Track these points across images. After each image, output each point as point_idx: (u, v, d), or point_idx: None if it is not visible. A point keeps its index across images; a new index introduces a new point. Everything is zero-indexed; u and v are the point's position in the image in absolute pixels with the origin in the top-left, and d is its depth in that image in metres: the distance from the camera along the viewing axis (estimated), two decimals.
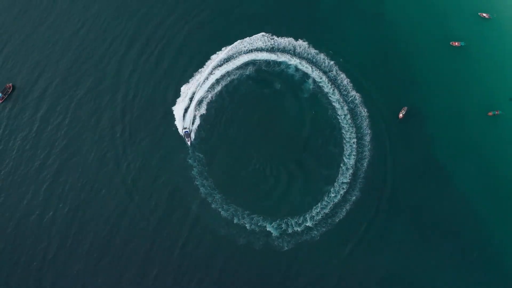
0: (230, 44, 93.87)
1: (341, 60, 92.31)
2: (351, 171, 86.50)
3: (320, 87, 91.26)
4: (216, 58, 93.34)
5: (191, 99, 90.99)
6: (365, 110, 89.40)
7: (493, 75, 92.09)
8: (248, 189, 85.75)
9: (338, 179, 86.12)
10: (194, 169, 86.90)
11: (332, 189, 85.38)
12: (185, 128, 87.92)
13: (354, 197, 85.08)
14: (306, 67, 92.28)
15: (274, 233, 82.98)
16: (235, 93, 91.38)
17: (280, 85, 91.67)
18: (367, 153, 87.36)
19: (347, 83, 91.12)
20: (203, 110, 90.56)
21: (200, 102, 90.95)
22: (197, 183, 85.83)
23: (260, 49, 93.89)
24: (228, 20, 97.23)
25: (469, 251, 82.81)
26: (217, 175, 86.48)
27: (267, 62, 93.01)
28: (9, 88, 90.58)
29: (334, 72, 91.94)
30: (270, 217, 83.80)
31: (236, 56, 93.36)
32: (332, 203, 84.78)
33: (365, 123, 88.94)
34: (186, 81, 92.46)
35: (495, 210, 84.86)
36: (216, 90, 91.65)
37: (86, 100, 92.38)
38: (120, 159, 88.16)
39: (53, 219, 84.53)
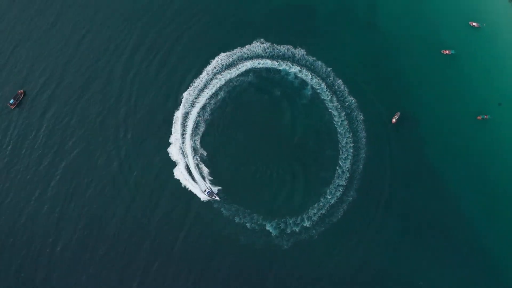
0: (230, 51, 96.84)
1: (336, 67, 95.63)
2: (347, 173, 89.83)
3: (318, 93, 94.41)
4: (216, 65, 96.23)
5: (192, 104, 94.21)
6: (361, 114, 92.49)
7: (482, 82, 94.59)
8: (249, 190, 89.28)
9: (334, 181, 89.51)
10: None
11: (328, 191, 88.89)
12: (205, 190, 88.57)
13: (350, 198, 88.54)
14: (304, 74, 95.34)
15: (273, 232, 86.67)
16: (236, 99, 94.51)
17: (279, 92, 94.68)
18: (362, 156, 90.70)
19: (344, 88, 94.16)
20: (206, 115, 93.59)
21: (203, 108, 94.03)
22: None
23: (260, 56, 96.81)
24: (228, 28, 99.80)
25: (459, 248, 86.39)
26: (219, 177, 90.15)
27: (267, 69, 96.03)
28: (21, 94, 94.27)
29: (331, 78, 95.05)
30: (269, 217, 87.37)
31: (237, 63, 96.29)
32: (328, 204, 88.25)
33: (361, 127, 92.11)
34: (187, 87, 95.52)
35: (483, 209, 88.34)
36: (218, 97, 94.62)
37: (91, 103, 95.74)
38: (123, 159, 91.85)
39: (61, 214, 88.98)
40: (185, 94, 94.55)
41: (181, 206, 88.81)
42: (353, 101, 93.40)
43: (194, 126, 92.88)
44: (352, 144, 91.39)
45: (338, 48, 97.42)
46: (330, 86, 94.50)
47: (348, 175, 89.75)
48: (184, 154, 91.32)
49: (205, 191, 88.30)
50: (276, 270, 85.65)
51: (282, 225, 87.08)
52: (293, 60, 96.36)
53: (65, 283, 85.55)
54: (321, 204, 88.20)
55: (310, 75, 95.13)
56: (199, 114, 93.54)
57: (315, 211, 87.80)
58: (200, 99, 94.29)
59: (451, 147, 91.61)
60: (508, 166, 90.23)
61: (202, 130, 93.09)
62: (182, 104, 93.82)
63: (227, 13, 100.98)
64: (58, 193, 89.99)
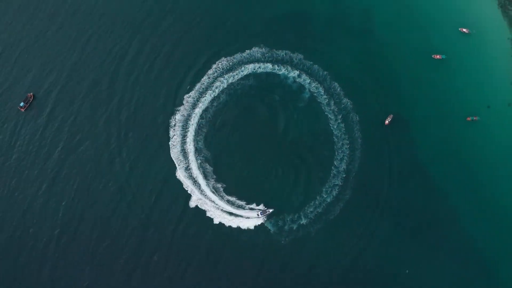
0: (231, 56, 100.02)
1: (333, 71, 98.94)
2: (342, 172, 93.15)
3: (315, 96, 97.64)
4: (217, 68, 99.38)
5: (194, 107, 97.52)
6: (357, 116, 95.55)
7: (472, 85, 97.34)
8: (249, 188, 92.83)
9: (330, 181, 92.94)
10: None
11: (324, 190, 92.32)
12: (259, 212, 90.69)
13: (346, 196, 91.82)
14: (302, 78, 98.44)
15: (272, 229, 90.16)
16: (237, 102, 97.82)
17: (278, 95, 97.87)
18: (358, 156, 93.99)
19: (340, 91, 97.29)
20: (208, 117, 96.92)
21: (205, 110, 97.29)
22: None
23: (259, 61, 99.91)
24: (228, 34, 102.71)
25: (450, 245, 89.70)
26: (222, 175, 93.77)
27: (267, 73, 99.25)
28: (30, 97, 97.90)
29: (328, 81, 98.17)
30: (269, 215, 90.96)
31: (237, 68, 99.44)
32: (325, 202, 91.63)
33: (356, 128, 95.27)
34: (189, 90, 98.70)
35: (474, 207, 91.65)
36: (220, 99, 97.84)
37: (95, 105, 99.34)
38: (124, 155, 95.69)
39: (65, 208, 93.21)
40: (187, 97, 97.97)
41: (180, 203, 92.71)
42: (349, 103, 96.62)
43: (196, 127, 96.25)
44: (348, 146, 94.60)
45: (334, 53, 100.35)
46: (327, 89, 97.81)
47: (344, 175, 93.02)
48: (187, 155, 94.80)
49: (258, 215, 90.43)
50: (274, 264, 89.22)
51: (280, 223, 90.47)
52: (291, 64, 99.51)
53: (69, 273, 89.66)
54: (317, 202, 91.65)
55: (308, 79, 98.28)
56: (201, 116, 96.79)
57: (311, 209, 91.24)
58: (202, 101, 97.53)
59: (442, 147, 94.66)
60: (497, 165, 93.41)
61: (205, 131, 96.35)
62: (184, 106, 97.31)
63: (227, 19, 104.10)
64: (63, 189, 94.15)
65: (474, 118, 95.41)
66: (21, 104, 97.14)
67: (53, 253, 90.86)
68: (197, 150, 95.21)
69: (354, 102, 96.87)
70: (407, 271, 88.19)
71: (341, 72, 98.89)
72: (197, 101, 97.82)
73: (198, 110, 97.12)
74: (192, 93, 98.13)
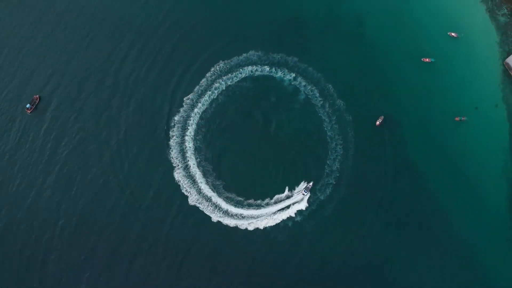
0: (228, 59, 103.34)
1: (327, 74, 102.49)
2: (336, 172, 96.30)
3: (309, 98, 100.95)
4: (215, 71, 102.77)
5: (193, 108, 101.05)
6: (350, 116, 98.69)
7: (460, 87, 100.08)
8: (246, 185, 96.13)
9: (323, 179, 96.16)
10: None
11: (318, 188, 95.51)
12: (303, 191, 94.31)
13: (338, 194, 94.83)
14: (298, 81, 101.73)
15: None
16: (235, 104, 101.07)
17: (275, 97, 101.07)
18: (350, 155, 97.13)
19: (333, 92, 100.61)
20: (206, 118, 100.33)
21: (204, 111, 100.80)
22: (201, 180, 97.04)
23: (256, 64, 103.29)
24: (226, 38, 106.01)
25: (439, 240, 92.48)
26: (221, 173, 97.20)
27: (263, 76, 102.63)
28: (37, 99, 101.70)
29: (322, 83, 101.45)
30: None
31: (235, 70, 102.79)
32: (318, 200, 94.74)
33: (349, 129, 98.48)
34: (189, 92, 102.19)
35: (461, 203, 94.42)
36: (218, 101, 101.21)
37: (97, 106, 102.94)
38: (123, 153, 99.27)
39: (65, 200, 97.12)
40: (186, 99, 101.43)
41: (178, 201, 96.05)
42: (342, 104, 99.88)
43: (196, 128, 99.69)
44: (342, 146, 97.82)
45: (328, 56, 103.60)
46: (321, 91, 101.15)
47: (336, 172, 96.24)
48: (186, 154, 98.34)
49: (304, 194, 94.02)
50: (270, 261, 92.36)
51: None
52: (286, 67, 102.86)
53: (65, 262, 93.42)
54: (311, 200, 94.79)
55: (303, 81, 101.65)
56: (200, 117, 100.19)
57: (304, 207, 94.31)
58: (200, 103, 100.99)
59: (431, 147, 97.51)
60: (483, 163, 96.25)
61: (204, 130, 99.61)
62: (183, 108, 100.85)
63: (224, 24, 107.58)
64: (65, 183, 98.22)
65: (462, 118, 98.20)
66: (28, 105, 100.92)
67: (55, 245, 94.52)
68: (197, 149, 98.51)
69: (347, 103, 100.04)
70: None
71: (335, 74, 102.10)
72: (196, 102, 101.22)
73: (197, 111, 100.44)
74: (191, 95, 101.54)
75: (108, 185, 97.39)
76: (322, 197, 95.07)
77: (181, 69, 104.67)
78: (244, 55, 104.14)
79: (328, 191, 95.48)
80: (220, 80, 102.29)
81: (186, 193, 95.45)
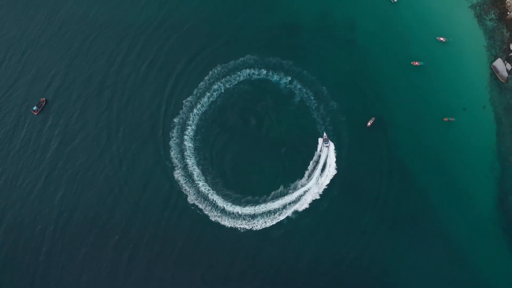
0: (226, 63, 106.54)
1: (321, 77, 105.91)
2: (331, 171, 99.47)
3: (304, 99, 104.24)
4: (213, 74, 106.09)
5: (191, 110, 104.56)
6: (344, 117, 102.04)
7: (448, 90, 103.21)
8: (244, 183, 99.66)
9: (316, 177, 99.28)
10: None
11: (310, 186, 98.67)
12: (323, 144, 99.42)
13: (331, 192, 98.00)
14: (293, 84, 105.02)
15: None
16: (233, 106, 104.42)
17: (271, 99, 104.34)
18: (343, 155, 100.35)
19: (327, 94, 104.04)
20: (205, 119, 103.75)
21: (203, 113, 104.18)
22: (199, 181, 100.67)
23: (253, 67, 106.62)
24: (223, 43, 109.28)
25: (428, 235, 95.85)
26: (219, 172, 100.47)
27: (260, 79, 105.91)
28: (43, 102, 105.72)
29: (316, 86, 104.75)
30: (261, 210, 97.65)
31: (232, 74, 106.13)
32: (313, 198, 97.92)
33: (343, 128, 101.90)
34: (188, 95, 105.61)
35: (449, 200, 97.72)
36: (217, 103, 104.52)
37: (99, 109, 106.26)
38: (124, 151, 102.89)
39: (68, 195, 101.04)
40: (185, 101, 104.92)
41: (179, 200, 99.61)
42: (336, 105, 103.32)
43: (195, 129, 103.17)
44: (335, 145, 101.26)
45: (322, 60, 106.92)
46: (315, 93, 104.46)
47: (332, 174, 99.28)
48: (185, 154, 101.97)
49: (324, 144, 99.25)
50: (266, 258, 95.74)
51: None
52: (282, 70, 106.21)
53: (67, 254, 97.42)
54: (305, 200, 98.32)
55: (298, 84, 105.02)
56: (199, 118, 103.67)
57: (299, 206, 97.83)
58: (199, 105, 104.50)
59: (421, 146, 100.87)
60: (471, 162, 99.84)
61: (203, 131, 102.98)
62: (182, 110, 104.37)
63: (222, 30, 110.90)
64: (70, 178, 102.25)
65: (451, 119, 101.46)
66: (34, 108, 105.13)
67: (52, 235, 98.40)
68: (196, 149, 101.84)
69: (340, 105, 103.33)
70: None
71: (328, 77, 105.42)
72: (195, 104, 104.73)
73: (196, 112, 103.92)
74: (190, 98, 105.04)
75: (111, 185, 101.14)
76: (317, 197, 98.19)
77: (180, 73, 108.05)
78: (241, 59, 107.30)
79: (322, 189, 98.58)
80: (218, 83, 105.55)
81: (185, 192, 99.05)
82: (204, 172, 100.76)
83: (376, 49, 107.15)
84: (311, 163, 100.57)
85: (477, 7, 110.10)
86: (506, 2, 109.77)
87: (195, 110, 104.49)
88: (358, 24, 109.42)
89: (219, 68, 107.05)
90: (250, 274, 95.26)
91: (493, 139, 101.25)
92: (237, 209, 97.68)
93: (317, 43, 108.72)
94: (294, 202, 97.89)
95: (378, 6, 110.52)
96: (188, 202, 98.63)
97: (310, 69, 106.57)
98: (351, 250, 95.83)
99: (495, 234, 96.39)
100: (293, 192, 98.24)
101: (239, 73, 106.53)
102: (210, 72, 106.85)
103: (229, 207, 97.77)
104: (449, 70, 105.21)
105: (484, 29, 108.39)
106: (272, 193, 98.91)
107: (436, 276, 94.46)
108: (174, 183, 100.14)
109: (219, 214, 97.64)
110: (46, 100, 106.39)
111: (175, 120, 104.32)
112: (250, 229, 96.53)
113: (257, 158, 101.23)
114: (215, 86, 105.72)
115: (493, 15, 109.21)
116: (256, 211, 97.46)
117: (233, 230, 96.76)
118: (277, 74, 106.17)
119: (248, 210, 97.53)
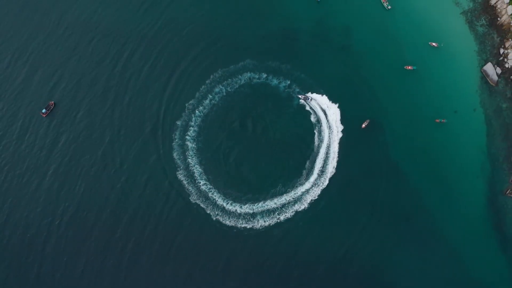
0: (226, 67, 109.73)
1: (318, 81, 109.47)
2: (327, 173, 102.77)
3: (302, 103, 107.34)
4: (214, 78, 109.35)
5: (194, 113, 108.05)
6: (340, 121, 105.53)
7: (440, 93, 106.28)
8: (243, 184, 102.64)
9: (313, 177, 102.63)
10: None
11: (308, 185, 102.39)
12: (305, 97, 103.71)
13: (328, 192, 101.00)
14: (292, 87, 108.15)
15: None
16: (233, 109, 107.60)
17: (271, 102, 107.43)
18: (338, 154, 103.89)
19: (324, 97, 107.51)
20: (206, 121, 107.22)
21: (205, 115, 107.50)
22: (201, 182, 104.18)
23: (252, 71, 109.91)
24: (223, 49, 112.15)
25: (419, 233, 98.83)
26: (218, 173, 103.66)
27: (259, 83, 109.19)
28: (52, 105, 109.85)
29: (313, 89, 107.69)
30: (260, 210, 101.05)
31: (232, 78, 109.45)
32: (311, 197, 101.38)
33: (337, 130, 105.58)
34: (190, 98, 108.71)
35: (440, 199, 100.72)
36: (219, 106, 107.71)
37: (104, 112, 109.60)
38: (125, 152, 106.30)
39: (70, 191, 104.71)
40: (188, 104, 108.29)
41: (180, 199, 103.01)
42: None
43: (197, 130, 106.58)
44: (329, 144, 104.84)
45: (318, 65, 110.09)
46: (313, 97, 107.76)
47: (325, 170, 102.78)
48: (187, 155, 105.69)
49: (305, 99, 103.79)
50: (264, 252, 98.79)
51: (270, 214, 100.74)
52: (281, 74, 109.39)
53: (71, 247, 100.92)
54: (303, 199, 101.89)
55: (297, 88, 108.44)
56: (201, 120, 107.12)
57: (298, 205, 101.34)
58: (201, 107, 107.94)
59: (414, 147, 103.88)
60: (462, 163, 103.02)
61: (204, 132, 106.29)
62: (185, 112, 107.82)
63: (222, 36, 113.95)
64: (74, 174, 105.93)
65: (442, 120, 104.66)
66: (43, 110, 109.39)
67: (57, 229, 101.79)
68: (198, 150, 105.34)
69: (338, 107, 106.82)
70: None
71: (325, 81, 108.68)
72: (197, 107, 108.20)
73: (198, 114, 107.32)
74: (192, 101, 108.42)
75: (114, 185, 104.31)
76: (314, 195, 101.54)
77: (182, 77, 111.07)
78: (241, 63, 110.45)
79: (316, 188, 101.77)
80: (220, 86, 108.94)
81: (187, 191, 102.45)
82: (206, 171, 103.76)
83: (371, 54, 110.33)
84: (308, 162, 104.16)
85: (469, 13, 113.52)
86: (497, 8, 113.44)
87: (197, 112, 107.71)
88: (354, 30, 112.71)
89: (220, 72, 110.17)
90: (249, 272, 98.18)
91: (483, 141, 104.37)
92: (237, 207, 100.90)
93: (315, 49, 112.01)
94: (293, 201, 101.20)
95: (373, 13, 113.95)
96: (190, 200, 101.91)
97: (308, 73, 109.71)
98: (347, 249, 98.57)
99: (486, 232, 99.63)
100: (292, 192, 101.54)
101: (240, 76, 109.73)
102: (211, 76, 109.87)
103: (229, 206, 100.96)
104: (441, 74, 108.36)
105: (475, 35, 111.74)
106: (272, 191, 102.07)
107: (428, 273, 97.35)
108: (176, 181, 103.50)
109: (219, 213, 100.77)
110: (54, 103, 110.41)
111: (178, 122, 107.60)
112: (250, 227, 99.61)
113: (257, 158, 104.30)
114: (217, 89, 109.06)
115: (483, 21, 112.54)
116: (256, 209, 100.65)
117: (233, 228, 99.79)
118: (277, 78, 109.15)
119: (248, 208, 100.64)
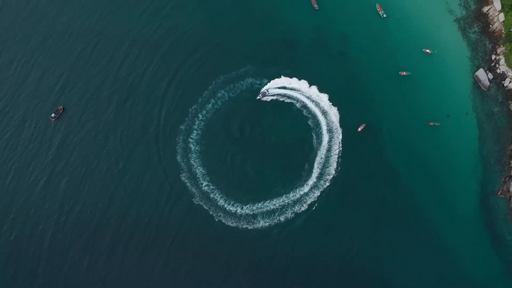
0: (228, 73, 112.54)
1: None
2: (326, 175, 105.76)
3: (301, 108, 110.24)
4: (216, 84, 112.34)
5: (197, 117, 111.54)
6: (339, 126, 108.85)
7: (433, 98, 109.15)
8: (243, 186, 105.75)
9: (312, 179, 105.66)
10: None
11: (307, 187, 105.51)
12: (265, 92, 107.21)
13: (326, 193, 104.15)
14: (292, 91, 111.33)
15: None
16: (235, 113, 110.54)
17: (271, 106, 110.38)
18: (336, 156, 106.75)
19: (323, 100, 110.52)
20: (209, 126, 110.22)
21: (207, 120, 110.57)
22: (204, 184, 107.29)
23: (253, 77, 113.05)
24: (224, 56, 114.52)
25: (413, 232, 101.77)
26: (219, 175, 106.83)
27: (260, 88, 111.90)
28: (61, 109, 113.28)
29: (314, 95, 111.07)
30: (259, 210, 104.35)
31: (234, 83, 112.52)
32: (310, 199, 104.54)
33: (334, 134, 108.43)
34: (193, 103, 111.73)
35: (434, 200, 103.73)
36: (221, 111, 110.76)
37: (112, 116, 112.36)
38: (128, 154, 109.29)
39: (76, 189, 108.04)
40: (191, 109, 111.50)
41: (184, 200, 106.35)
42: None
43: (201, 133, 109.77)
44: (327, 147, 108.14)
45: (316, 71, 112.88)
46: (311, 100, 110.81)
47: (324, 172, 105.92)
48: (190, 157, 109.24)
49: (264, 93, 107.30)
50: (263, 252, 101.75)
51: (270, 215, 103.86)
52: (280, 77, 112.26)
53: (72, 241, 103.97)
54: (301, 200, 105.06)
55: (295, 92, 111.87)
56: (205, 124, 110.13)
57: (297, 206, 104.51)
58: (204, 112, 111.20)
59: (408, 149, 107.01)
60: (455, 165, 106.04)
61: (207, 136, 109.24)
62: (188, 117, 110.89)
63: (224, 44, 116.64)
64: (78, 174, 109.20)
65: (436, 123, 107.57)
66: (52, 114, 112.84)
67: (62, 225, 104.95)
68: (201, 153, 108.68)
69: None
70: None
71: (322, 87, 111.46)
72: (200, 111, 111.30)
73: (201, 118, 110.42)
74: (195, 106, 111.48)
75: (115, 181, 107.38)
76: (313, 196, 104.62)
77: (185, 82, 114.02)
78: (243, 69, 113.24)
79: (315, 190, 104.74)
80: (222, 91, 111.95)
81: (190, 192, 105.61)
82: (208, 173, 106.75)
83: (367, 60, 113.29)
84: (307, 164, 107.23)
85: (461, 21, 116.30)
86: (489, 16, 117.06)
87: (200, 116, 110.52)
88: (350, 38, 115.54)
89: (222, 78, 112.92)
90: (250, 272, 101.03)
91: (475, 144, 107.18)
92: (238, 209, 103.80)
93: (313, 55, 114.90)
94: (293, 202, 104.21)
95: (369, 21, 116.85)
96: (192, 202, 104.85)
97: (306, 79, 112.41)
98: (346, 249, 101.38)
99: (478, 232, 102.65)
100: (291, 193, 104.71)
101: (241, 82, 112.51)
102: (214, 82, 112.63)
103: (231, 207, 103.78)
104: (434, 80, 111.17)
105: (467, 41, 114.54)
106: (272, 192, 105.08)
107: (423, 271, 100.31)
108: (179, 183, 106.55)
109: (221, 214, 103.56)
110: (63, 108, 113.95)
111: (182, 127, 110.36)
112: (251, 228, 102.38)
113: (258, 161, 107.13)
114: (220, 94, 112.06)
115: (476, 28, 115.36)
116: (256, 211, 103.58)
117: (234, 229, 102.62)
118: (277, 83, 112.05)
119: (249, 209, 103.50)
